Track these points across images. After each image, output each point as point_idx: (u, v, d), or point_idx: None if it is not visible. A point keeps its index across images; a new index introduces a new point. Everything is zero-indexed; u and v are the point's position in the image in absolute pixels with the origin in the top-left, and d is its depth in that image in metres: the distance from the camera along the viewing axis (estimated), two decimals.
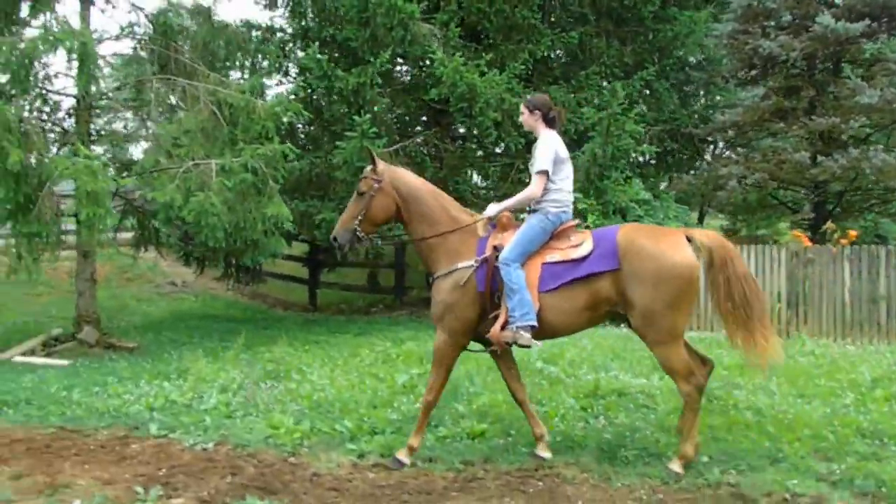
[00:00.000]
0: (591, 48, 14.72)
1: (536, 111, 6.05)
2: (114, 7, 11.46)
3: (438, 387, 6.06)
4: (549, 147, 5.90)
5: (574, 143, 13.78)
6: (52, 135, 10.45)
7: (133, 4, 11.65)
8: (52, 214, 8.63)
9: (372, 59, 12.43)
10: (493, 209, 6.09)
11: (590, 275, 5.61)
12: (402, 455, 6.01)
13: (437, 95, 12.44)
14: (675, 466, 5.61)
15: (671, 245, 5.57)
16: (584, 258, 5.67)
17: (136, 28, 11.53)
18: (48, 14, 10.00)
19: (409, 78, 14.74)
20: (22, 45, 8.86)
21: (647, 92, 15.99)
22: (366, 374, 8.81)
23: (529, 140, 13.42)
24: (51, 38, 8.83)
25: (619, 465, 5.91)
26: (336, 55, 13.78)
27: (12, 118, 8.32)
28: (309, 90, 12.90)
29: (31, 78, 9.07)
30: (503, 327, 5.75)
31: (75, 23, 10.28)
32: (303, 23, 14.35)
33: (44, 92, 9.55)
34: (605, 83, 14.64)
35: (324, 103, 12.56)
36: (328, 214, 11.65)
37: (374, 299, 17.45)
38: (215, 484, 5.68)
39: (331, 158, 11.88)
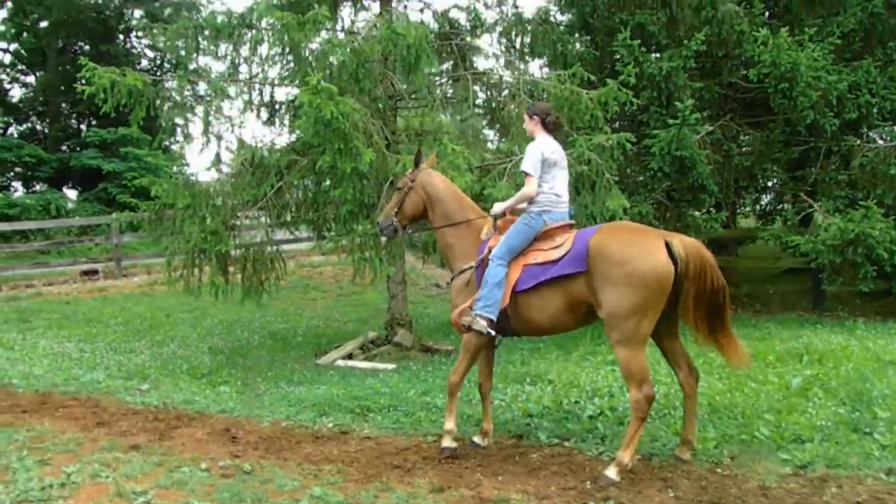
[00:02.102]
0: (888, 18, 13.17)
1: (535, 117, 6.30)
2: (405, 7, 11.28)
3: (463, 370, 6.37)
4: (536, 149, 6.10)
5: (887, 119, 12.51)
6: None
7: (424, 2, 11.44)
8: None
9: (673, 44, 11.63)
10: (497, 208, 6.41)
11: (559, 276, 5.75)
12: (447, 441, 6.26)
13: (755, 76, 11.53)
14: (611, 473, 5.45)
15: (643, 250, 5.47)
16: (560, 259, 5.79)
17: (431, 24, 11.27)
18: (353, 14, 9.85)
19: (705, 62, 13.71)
20: (355, 45, 8.69)
21: None
22: (735, 375, 7.93)
23: (844, 121, 12.38)
24: (392, 35, 8.56)
25: None
26: None
27: (359, 118, 8.12)
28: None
29: (370, 78, 8.89)
30: (465, 311, 6.11)
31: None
32: (587, 8, 13.58)
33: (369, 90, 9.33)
34: None
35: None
36: (643, 207, 10.89)
37: None
38: (660, 499, 5.13)
39: (631, 150, 11.05)
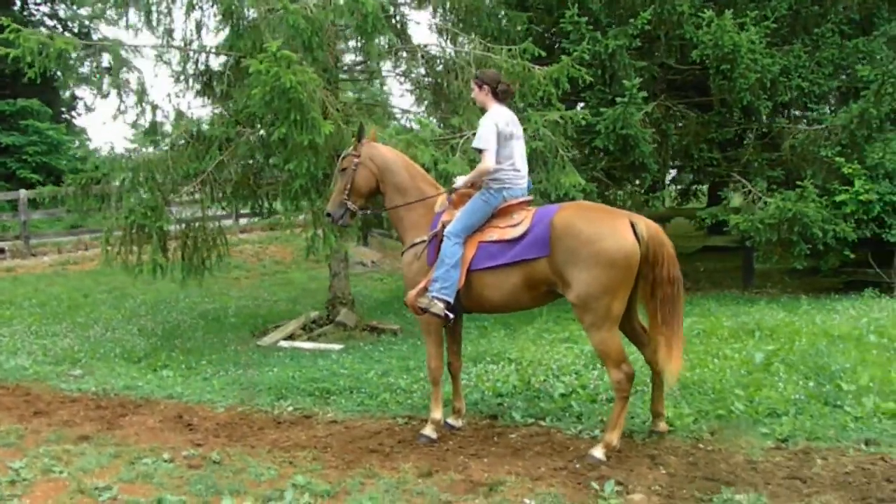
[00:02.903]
0: (811, 6, 13.55)
1: (485, 86, 6.01)
2: None
3: (435, 352, 6.16)
4: (490, 123, 5.83)
5: (814, 103, 12.95)
6: None
7: None
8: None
9: (614, 23, 11.66)
10: (459, 182, 6.19)
11: (520, 260, 5.60)
12: (429, 430, 6.04)
13: (698, 57, 11.74)
14: (598, 453, 5.37)
15: (610, 229, 5.37)
16: (518, 239, 5.63)
17: None
18: None
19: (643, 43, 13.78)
20: (308, 13, 8.24)
21: None
22: (695, 352, 7.99)
23: (775, 104, 12.70)
24: (351, 2, 8.17)
25: None
26: None
27: (314, 88, 7.73)
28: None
29: (323, 47, 8.47)
30: (421, 293, 5.86)
31: None
32: None
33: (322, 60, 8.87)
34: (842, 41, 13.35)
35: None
36: (587, 186, 10.86)
37: None
38: (653, 476, 5.08)
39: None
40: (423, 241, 6.08)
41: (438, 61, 11.10)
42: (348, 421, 6.63)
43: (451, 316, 5.84)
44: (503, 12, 11.88)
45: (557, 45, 13.33)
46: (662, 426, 5.80)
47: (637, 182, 12.80)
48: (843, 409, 6.05)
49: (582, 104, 13.49)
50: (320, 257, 9.39)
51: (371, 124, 8.13)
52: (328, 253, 8.72)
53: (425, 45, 10.63)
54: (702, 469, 5.12)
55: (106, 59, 9.93)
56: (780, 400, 6.24)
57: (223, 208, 10.99)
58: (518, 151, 5.96)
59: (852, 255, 11.94)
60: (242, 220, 18.53)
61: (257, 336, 10.87)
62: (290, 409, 7.10)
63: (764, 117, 12.50)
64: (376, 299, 14.45)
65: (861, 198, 11.44)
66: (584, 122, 9.78)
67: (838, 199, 11.60)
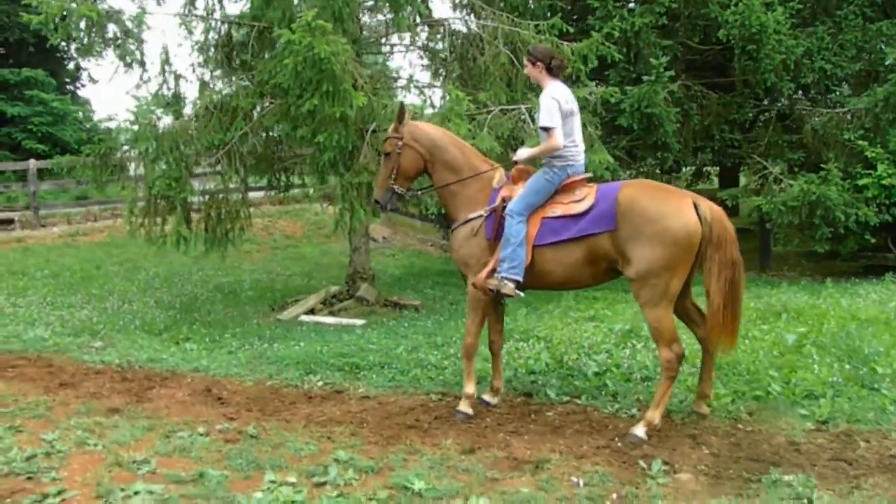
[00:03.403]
0: None
1: (539, 62, 5.88)
2: None
3: (475, 330, 6.11)
4: (551, 100, 5.72)
5: (835, 87, 12.77)
6: None
7: None
8: (376, 163, 7.85)
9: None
10: (522, 153, 6.05)
11: (586, 235, 5.55)
12: (464, 405, 6.02)
13: (724, 36, 11.64)
14: (639, 431, 5.36)
15: (674, 207, 5.36)
16: (583, 214, 5.58)
17: None
18: None
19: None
20: None
21: None
22: None
23: (797, 86, 12.59)
24: None
25: None
26: None
27: (346, 59, 7.57)
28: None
29: (352, 18, 8.32)
30: (490, 274, 5.80)
31: None
32: None
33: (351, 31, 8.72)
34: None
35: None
36: (612, 164, 10.78)
37: None
38: (697, 456, 5.04)
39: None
40: (480, 217, 5.99)
41: (457, 36, 10.95)
42: (381, 396, 6.58)
43: (522, 294, 5.80)
44: None
45: (573, 19, 13.20)
46: (705, 409, 5.76)
47: (657, 161, 12.72)
48: (881, 392, 6.00)
49: (595, 82, 13.41)
50: (343, 231, 9.28)
51: (411, 106, 8.00)
52: (356, 227, 8.63)
53: (448, 19, 10.47)
54: (745, 450, 5.10)
55: (116, 29, 9.78)
56: (816, 382, 6.21)
57: (242, 181, 10.87)
58: (577, 127, 5.90)
59: (872, 240, 11.92)
60: (254, 194, 18.37)
61: (277, 310, 10.82)
62: (321, 383, 7.04)
63: (785, 99, 12.39)
64: (391, 275, 14.38)
65: (884, 182, 11.42)
66: (612, 100, 9.67)
67: (860, 182, 11.56)
